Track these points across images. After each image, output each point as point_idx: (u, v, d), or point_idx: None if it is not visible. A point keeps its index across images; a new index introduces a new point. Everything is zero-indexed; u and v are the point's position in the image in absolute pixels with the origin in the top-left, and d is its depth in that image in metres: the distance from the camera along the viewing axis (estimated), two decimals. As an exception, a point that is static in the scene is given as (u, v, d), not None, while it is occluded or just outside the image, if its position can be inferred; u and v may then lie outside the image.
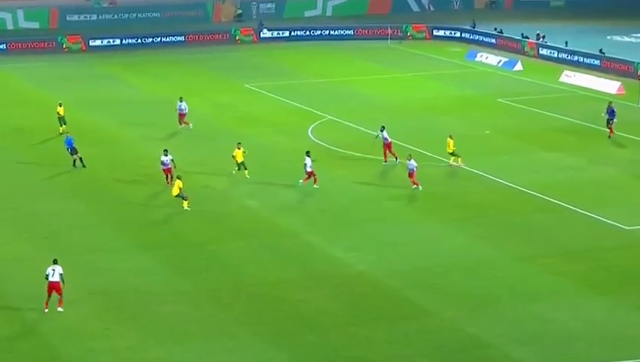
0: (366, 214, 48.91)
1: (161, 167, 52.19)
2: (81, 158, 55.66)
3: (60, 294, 37.19)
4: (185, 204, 48.63)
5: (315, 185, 52.16)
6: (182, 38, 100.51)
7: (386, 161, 56.72)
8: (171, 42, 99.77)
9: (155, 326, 36.48)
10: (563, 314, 37.51)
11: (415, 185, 51.94)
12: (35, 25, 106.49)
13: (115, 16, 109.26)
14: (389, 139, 56.58)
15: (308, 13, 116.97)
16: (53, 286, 37.01)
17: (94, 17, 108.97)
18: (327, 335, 35.79)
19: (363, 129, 64.59)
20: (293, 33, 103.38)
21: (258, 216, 48.48)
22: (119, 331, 36.06)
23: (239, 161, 53.69)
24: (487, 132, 65.09)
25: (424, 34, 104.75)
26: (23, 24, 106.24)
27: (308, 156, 52.40)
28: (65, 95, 71.95)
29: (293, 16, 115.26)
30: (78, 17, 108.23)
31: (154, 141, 61.93)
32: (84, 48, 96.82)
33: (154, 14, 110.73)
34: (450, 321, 36.96)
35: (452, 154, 56.38)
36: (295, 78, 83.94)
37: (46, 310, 36.98)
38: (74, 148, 55.70)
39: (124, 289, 39.69)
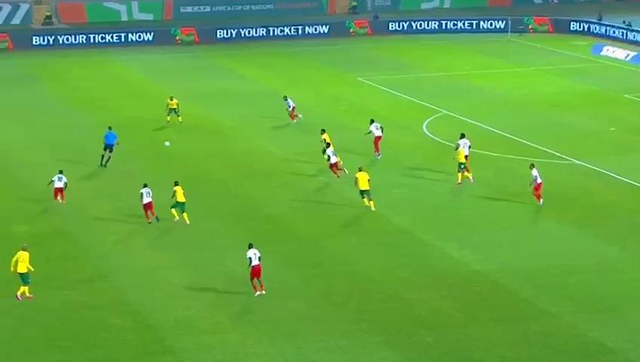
0: (481, 212, 47.84)
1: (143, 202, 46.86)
2: (109, 158, 53.93)
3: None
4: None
5: (338, 176, 51.47)
6: (295, 30, 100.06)
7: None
8: (284, 34, 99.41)
9: (265, 321, 36.15)
10: (693, 321, 35.95)
11: (539, 198, 48.24)
12: (149, 16, 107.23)
13: (229, 8, 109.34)
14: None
15: (425, 6, 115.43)
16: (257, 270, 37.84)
17: (207, 9, 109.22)
18: (443, 336, 35.06)
19: (480, 125, 63.46)
20: (409, 25, 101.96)
21: (370, 212, 47.71)
22: (229, 326, 35.82)
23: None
24: (612, 129, 63.22)
25: (546, 27, 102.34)
26: (138, 16, 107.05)
27: (329, 146, 52.26)
28: (177, 87, 72.15)
29: (410, 8, 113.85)
30: (192, 9, 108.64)
31: (265, 133, 61.76)
32: (197, 40, 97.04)
33: (267, 6, 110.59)
34: (571, 324, 35.77)
35: (463, 167, 51.16)
36: (410, 71, 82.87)
37: (257, 293, 37.94)
38: (111, 146, 54.00)
39: (236, 284, 39.31)
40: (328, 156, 52.11)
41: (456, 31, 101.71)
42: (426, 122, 64.20)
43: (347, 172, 51.39)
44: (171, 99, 63.91)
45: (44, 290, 38.37)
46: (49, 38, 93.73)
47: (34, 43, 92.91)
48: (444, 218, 47.13)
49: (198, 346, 34.27)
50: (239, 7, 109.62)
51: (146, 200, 45.79)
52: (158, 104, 66.95)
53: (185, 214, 45.75)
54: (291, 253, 42.60)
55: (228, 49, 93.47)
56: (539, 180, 47.88)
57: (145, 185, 46.12)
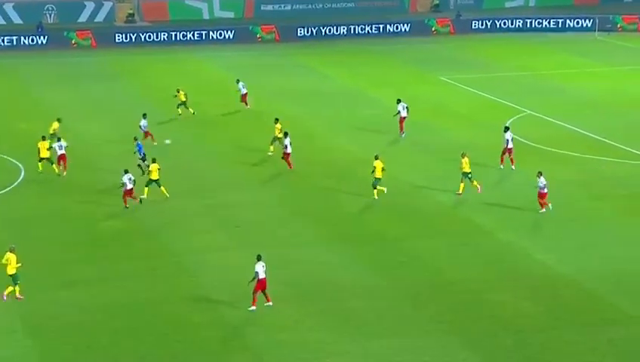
0: (566, 214, 46.96)
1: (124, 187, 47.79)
2: (142, 166, 51.83)
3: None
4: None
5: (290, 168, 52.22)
6: (376, 29, 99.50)
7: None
8: (365, 33, 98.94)
9: (346, 320, 35.96)
10: None
11: (543, 207, 46.78)
12: (230, 14, 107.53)
13: (309, 6, 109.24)
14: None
15: (509, 4, 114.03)
16: (264, 283, 36.75)
17: (288, 7, 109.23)
18: (526, 339, 34.50)
19: (565, 125, 62.43)
20: (492, 24, 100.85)
21: (452, 212, 47.32)
22: (310, 324, 35.69)
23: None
24: None
25: (636, 25, 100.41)
26: (219, 13, 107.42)
27: (287, 136, 52.62)
28: (258, 84, 72.11)
29: (494, 6, 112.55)
30: (273, 7, 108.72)
31: (345, 131, 61.47)
32: (277, 38, 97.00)
33: (348, 4, 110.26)
34: (659, 331, 34.98)
35: (466, 175, 49.17)
36: (493, 70, 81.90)
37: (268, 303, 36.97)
38: (144, 154, 52.26)
39: (316, 282, 39.24)
40: (285, 145, 52.53)
41: (541, 30, 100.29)
42: (509, 122, 63.18)
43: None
44: (178, 92, 64.50)
45: (128, 286, 38.79)
46: (131, 35, 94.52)
47: (116, 40, 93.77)
48: (529, 219, 46.40)
49: (278, 343, 34.21)
50: (320, 5, 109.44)
51: (129, 186, 46.68)
52: (239, 101, 66.83)
53: (163, 188, 48.09)
54: (374, 253, 42.27)
55: (308, 47, 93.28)
56: (545, 190, 46.39)
57: (126, 172, 46.99)
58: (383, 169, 48.44)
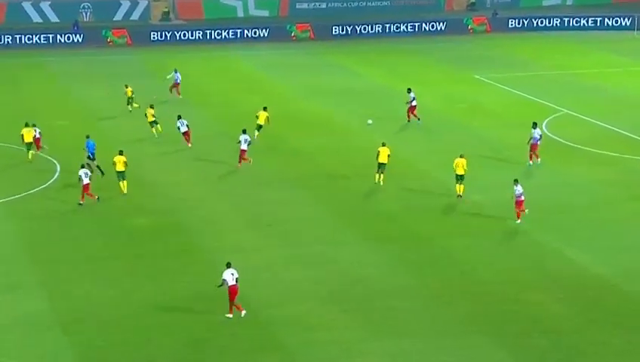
0: (604, 215, 46.48)
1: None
2: (98, 166, 51.30)
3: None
4: None
5: (238, 165, 52.96)
6: (412, 27, 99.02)
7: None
8: (400, 31, 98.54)
9: (379, 319, 35.81)
10: None
11: (519, 216, 44.90)
12: (265, 13, 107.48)
13: (344, 5, 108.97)
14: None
15: (546, 2, 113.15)
16: (234, 291, 35.79)
17: (323, 5, 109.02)
18: (560, 340, 34.19)
19: (603, 124, 61.87)
20: (529, 22, 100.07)
21: (485, 211, 46.92)
22: (343, 323, 35.54)
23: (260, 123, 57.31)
24: None
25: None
26: (253, 12, 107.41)
27: (244, 133, 53.46)
28: (293, 83, 71.90)
29: (531, 5, 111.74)
30: (307, 5, 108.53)
31: (380, 130, 60.92)
32: (312, 36, 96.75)
33: (384, 3, 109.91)
34: (699, 336, 34.46)
35: (460, 178, 48.21)
36: (529, 69, 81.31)
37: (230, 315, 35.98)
38: (93, 154, 51.96)
39: (349, 281, 39.02)
40: (239, 141, 53.20)
41: (579, 28, 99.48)
42: (546, 121, 62.66)
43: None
44: (127, 87, 65.18)
45: (161, 283, 38.81)
46: (166, 33, 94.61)
47: (152, 39, 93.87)
48: (564, 219, 45.94)
49: (309, 342, 34.08)
50: (355, 4, 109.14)
51: (85, 181, 47.04)
52: (274, 100, 66.90)
53: (124, 182, 48.60)
54: (406, 252, 42.05)
55: (343, 46, 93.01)
56: (522, 197, 44.70)
57: (82, 166, 47.59)
58: (388, 155, 49.57)
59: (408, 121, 62.14)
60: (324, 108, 66.98)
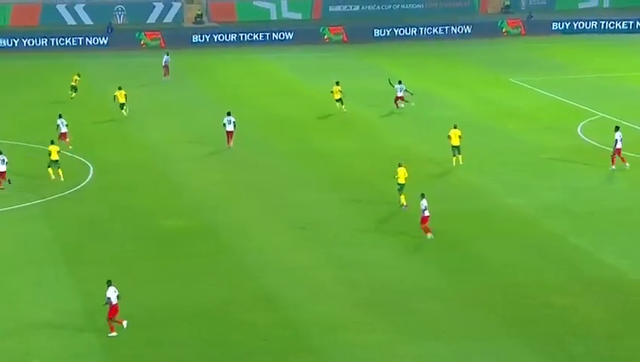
0: (641, 219, 45.84)
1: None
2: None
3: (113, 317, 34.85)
4: None
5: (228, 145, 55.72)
6: (446, 30, 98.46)
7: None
8: (434, 34, 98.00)
9: (408, 322, 35.64)
10: None
11: (428, 233, 42.96)
12: (298, 15, 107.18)
13: (378, 7, 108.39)
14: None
15: (583, 5, 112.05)
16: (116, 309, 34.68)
17: (356, 8, 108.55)
18: (596, 346, 33.77)
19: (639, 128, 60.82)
20: (566, 25, 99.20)
21: (521, 215, 46.47)
22: (372, 325, 35.35)
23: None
24: None
25: None
26: (287, 14, 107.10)
27: (229, 115, 56.42)
28: (325, 86, 71.28)
29: (567, 7, 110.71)
30: (341, 8, 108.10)
31: (413, 133, 60.85)
32: (345, 39, 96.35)
33: (417, 5, 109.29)
34: None
35: (456, 148, 52.46)
36: (565, 72, 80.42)
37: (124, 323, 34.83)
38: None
39: (380, 283, 38.81)
40: (224, 124, 56.20)
41: (614, 31, 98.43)
42: (581, 125, 62.03)
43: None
44: (120, 89, 64.47)
45: (191, 285, 38.65)
46: (199, 36, 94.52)
47: (185, 41, 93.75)
48: (601, 223, 45.40)
49: (340, 345, 33.89)
50: (389, 7, 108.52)
51: (1, 168, 48.67)
52: (306, 102, 66.90)
53: (59, 170, 50.03)
54: (439, 255, 41.76)
55: (377, 48, 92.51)
56: (426, 213, 42.93)
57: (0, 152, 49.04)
58: (405, 177, 46.62)
59: (397, 107, 65.15)
60: (356, 109, 66.44)
